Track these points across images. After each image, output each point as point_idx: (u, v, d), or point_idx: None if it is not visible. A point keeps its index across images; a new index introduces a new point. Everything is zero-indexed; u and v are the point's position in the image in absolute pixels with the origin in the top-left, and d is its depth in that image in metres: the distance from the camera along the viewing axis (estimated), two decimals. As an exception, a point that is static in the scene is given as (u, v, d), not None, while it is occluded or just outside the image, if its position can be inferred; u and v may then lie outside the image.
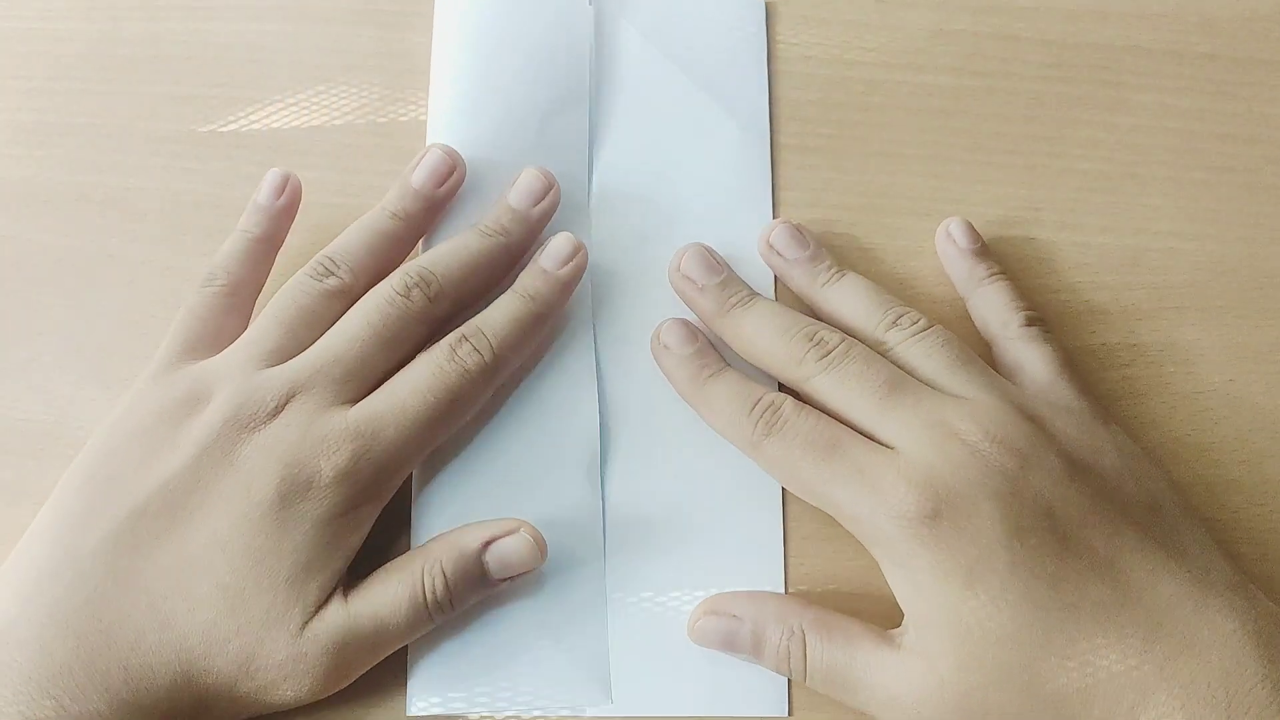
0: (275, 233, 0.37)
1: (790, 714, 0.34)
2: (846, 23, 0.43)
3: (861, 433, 0.33)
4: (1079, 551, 0.31)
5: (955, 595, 0.31)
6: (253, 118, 0.41)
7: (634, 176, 0.40)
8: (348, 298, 0.35)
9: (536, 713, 0.34)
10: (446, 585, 0.32)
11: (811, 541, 0.36)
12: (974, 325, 0.38)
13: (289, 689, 0.31)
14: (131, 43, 0.41)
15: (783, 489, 0.37)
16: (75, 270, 0.39)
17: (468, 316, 0.36)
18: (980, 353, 0.36)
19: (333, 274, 0.35)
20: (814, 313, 0.37)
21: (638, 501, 0.36)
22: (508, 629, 0.35)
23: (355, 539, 0.33)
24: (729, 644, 0.34)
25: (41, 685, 0.29)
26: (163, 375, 0.34)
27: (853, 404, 0.34)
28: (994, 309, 0.37)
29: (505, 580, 0.34)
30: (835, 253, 0.38)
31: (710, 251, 0.38)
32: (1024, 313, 0.37)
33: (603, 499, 0.36)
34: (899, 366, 0.35)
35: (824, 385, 0.34)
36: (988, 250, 0.39)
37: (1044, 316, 0.37)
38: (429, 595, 0.32)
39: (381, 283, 0.35)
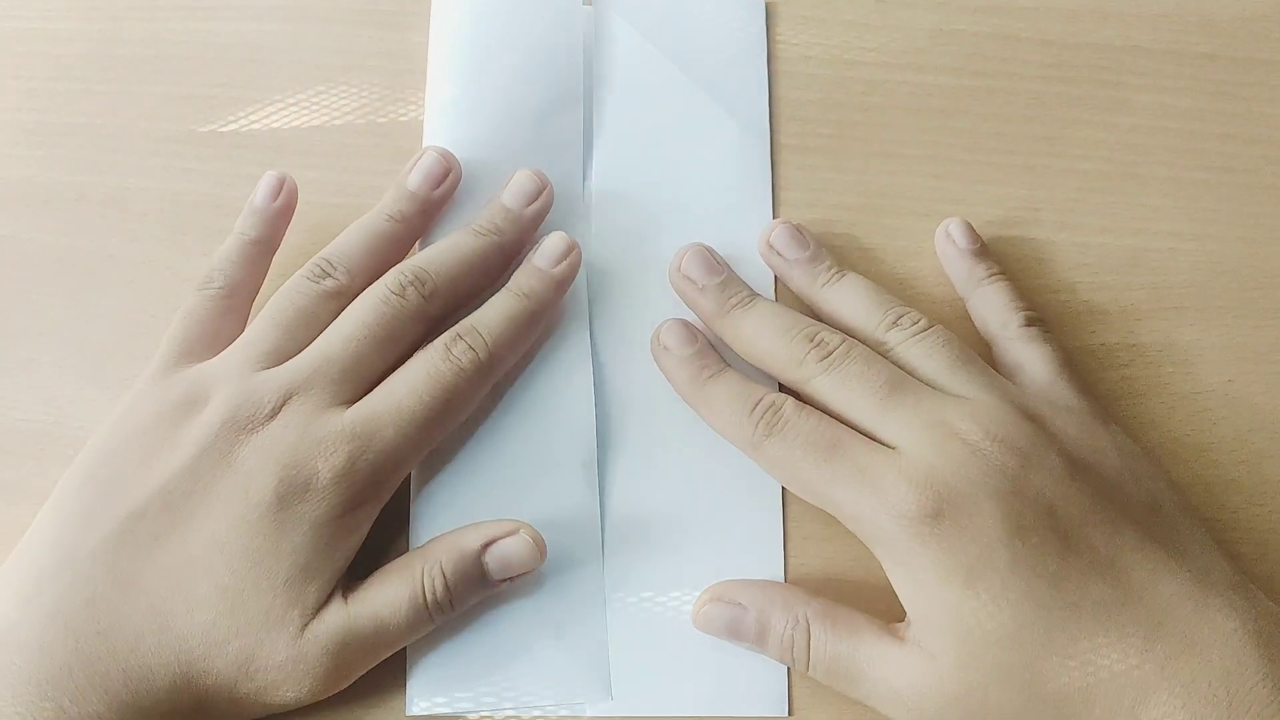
0: (272, 235, 0.37)
1: (790, 714, 0.34)
2: (846, 23, 0.43)
3: (862, 433, 0.33)
4: (1080, 550, 0.31)
5: (956, 594, 0.31)
6: (253, 118, 0.41)
7: (634, 176, 0.40)
8: (344, 299, 0.35)
9: (536, 712, 0.34)
10: (446, 586, 0.32)
11: (811, 541, 0.36)
12: (974, 325, 0.38)
13: (289, 690, 0.31)
14: (131, 43, 0.41)
15: (783, 489, 0.37)
16: (75, 270, 0.39)
17: (462, 316, 0.36)
18: (980, 353, 0.36)
19: (329, 275, 0.35)
20: (814, 313, 0.37)
21: (638, 502, 0.36)
22: (507, 629, 0.35)
23: (354, 540, 0.33)
24: (733, 631, 0.34)
25: (41, 687, 0.29)
26: (161, 377, 0.34)
27: (853, 404, 0.34)
28: (993, 309, 0.37)
29: (505, 581, 0.34)
30: (835, 253, 0.38)
31: (711, 252, 0.38)
32: (1023, 313, 0.37)
33: (603, 499, 0.36)
34: (899, 367, 0.35)
35: (825, 386, 0.34)
36: (987, 250, 0.39)
37: (1043, 316, 0.37)
38: (429, 596, 0.32)
39: (376, 282, 0.35)
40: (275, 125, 0.40)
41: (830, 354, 0.34)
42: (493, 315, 0.35)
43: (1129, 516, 0.32)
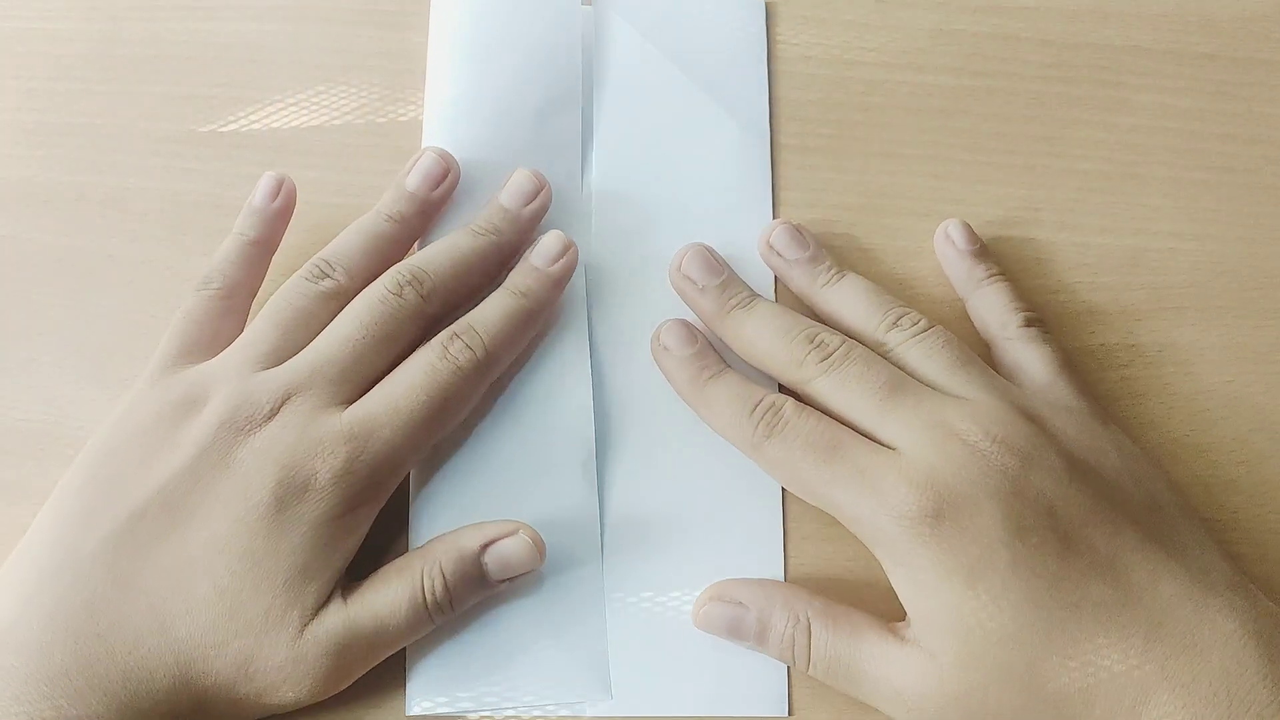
0: (270, 235, 0.37)
1: (790, 714, 0.34)
2: (846, 23, 0.43)
3: (862, 434, 0.33)
4: (1080, 551, 0.31)
5: (957, 594, 0.31)
6: (253, 118, 0.41)
7: (634, 176, 0.40)
8: (343, 299, 0.35)
9: (536, 712, 0.34)
10: (446, 587, 0.33)
11: (811, 542, 0.36)
12: (974, 326, 0.38)
13: (288, 691, 0.31)
14: (131, 43, 0.41)
15: (783, 489, 0.37)
16: (75, 270, 0.39)
17: (460, 316, 0.36)
18: (980, 353, 0.36)
19: (328, 276, 0.35)
20: (814, 314, 0.37)
21: (638, 502, 0.36)
22: (507, 629, 0.35)
23: (353, 540, 0.33)
24: (734, 631, 0.34)
25: (40, 689, 0.29)
26: (160, 378, 0.34)
27: (853, 405, 0.34)
28: (993, 310, 0.37)
29: (504, 581, 0.34)
30: (835, 253, 0.38)
31: (711, 252, 0.38)
32: (1023, 313, 0.37)
33: (602, 499, 0.36)
34: (899, 367, 0.35)
35: (825, 387, 0.34)
36: (986, 251, 0.39)
37: (1043, 317, 0.37)
38: (428, 597, 0.32)
39: (374, 283, 0.35)
40: (275, 125, 0.40)
41: (830, 355, 0.34)
42: (490, 314, 0.35)
43: (1129, 517, 0.32)
